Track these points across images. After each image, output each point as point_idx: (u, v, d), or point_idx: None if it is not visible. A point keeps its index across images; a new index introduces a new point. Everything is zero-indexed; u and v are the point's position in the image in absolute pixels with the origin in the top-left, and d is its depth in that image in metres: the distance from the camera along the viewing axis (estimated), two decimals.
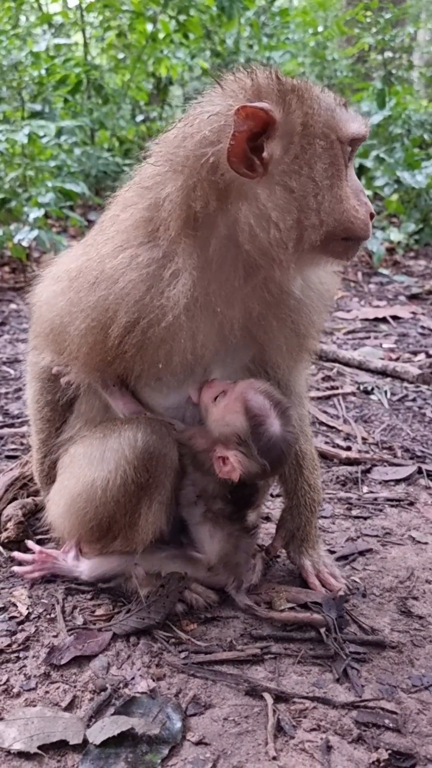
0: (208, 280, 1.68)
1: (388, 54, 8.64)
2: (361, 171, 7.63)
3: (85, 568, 2.02)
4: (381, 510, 2.61)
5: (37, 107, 7.49)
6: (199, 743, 1.51)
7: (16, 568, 2.07)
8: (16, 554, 2.10)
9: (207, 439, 1.84)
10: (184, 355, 1.73)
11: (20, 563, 2.09)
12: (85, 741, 1.49)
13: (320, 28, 9.72)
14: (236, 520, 1.92)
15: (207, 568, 1.96)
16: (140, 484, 1.79)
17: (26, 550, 2.20)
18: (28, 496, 2.42)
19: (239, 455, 1.77)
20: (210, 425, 1.82)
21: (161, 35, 8.57)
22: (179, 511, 1.93)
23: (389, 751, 1.49)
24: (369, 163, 7.55)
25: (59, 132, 7.12)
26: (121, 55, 9.14)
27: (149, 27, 8.41)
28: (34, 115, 7.31)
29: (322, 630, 1.86)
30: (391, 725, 1.57)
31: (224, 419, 1.78)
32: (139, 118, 9.50)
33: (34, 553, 2.08)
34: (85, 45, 8.82)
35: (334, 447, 3.12)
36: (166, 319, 1.65)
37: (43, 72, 7.75)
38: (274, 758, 1.47)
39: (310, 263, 1.76)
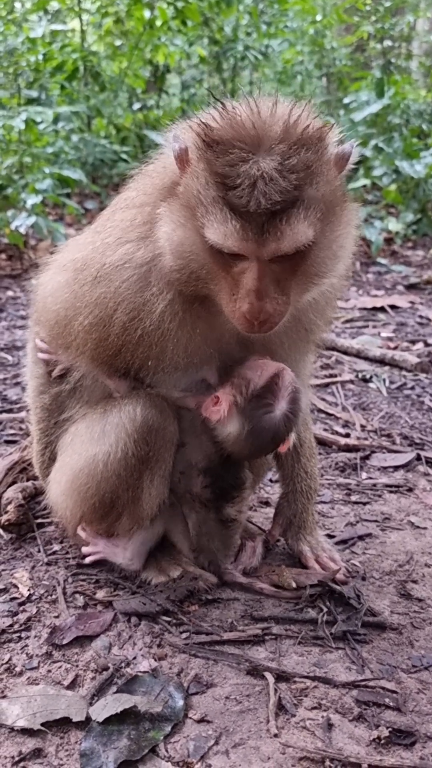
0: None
1: (388, 43, 8.60)
2: (360, 160, 7.61)
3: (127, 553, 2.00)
4: (380, 496, 2.62)
5: (34, 94, 7.44)
6: (201, 721, 1.52)
7: (85, 549, 2.02)
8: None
9: (204, 398, 1.86)
10: (174, 359, 1.75)
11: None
12: (88, 718, 1.50)
13: (319, 16, 9.65)
14: (211, 509, 1.93)
15: (191, 548, 1.99)
16: (141, 458, 1.80)
17: (26, 532, 2.22)
18: (27, 480, 2.42)
19: (232, 402, 1.79)
20: (235, 370, 1.84)
21: (159, 22, 8.50)
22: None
23: (389, 729, 1.50)
24: (368, 153, 7.53)
25: (56, 118, 7.07)
26: (118, 42, 9.06)
27: (147, 14, 8.34)
28: (31, 101, 7.26)
29: (323, 612, 1.87)
30: (391, 704, 1.58)
31: (252, 369, 1.81)
32: (136, 105, 9.42)
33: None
34: (82, 31, 8.74)
35: (333, 434, 3.12)
36: (151, 322, 1.67)
37: (39, 58, 7.68)
38: (276, 735, 1.48)
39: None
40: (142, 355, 1.75)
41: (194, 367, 1.82)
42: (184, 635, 1.78)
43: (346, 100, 8.61)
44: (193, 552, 2.00)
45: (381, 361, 4.13)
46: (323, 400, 3.54)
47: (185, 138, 1.55)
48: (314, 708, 1.56)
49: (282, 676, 1.65)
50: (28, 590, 1.94)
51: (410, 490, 2.67)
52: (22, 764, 1.40)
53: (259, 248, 1.45)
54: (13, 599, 1.90)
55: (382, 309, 5.39)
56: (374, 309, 5.39)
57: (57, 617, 1.84)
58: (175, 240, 1.55)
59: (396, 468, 2.85)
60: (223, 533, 1.97)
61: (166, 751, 1.44)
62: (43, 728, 1.47)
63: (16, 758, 1.41)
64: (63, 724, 1.50)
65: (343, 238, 1.60)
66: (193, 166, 1.51)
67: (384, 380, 3.81)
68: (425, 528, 2.38)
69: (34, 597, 1.92)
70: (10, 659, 1.68)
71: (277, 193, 1.40)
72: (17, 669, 1.65)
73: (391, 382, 3.80)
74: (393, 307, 5.44)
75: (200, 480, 1.92)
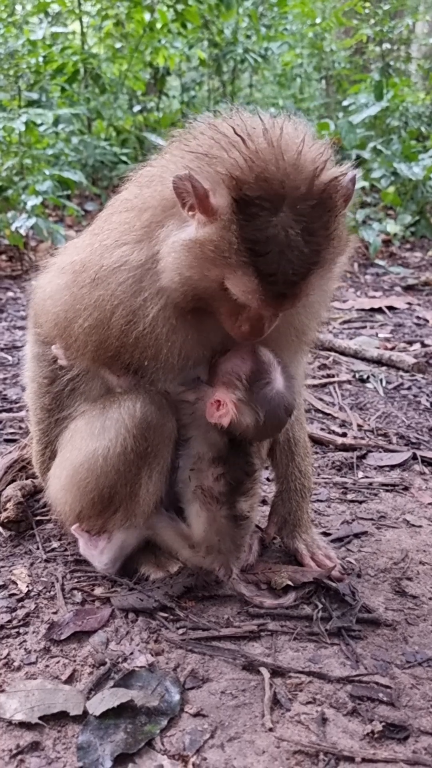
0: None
1: (387, 46, 8.62)
2: (358, 162, 7.65)
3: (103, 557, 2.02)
4: (376, 494, 2.64)
5: (34, 96, 7.47)
6: (197, 715, 1.53)
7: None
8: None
9: (204, 392, 1.87)
10: (169, 361, 1.79)
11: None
12: (85, 712, 1.52)
13: (318, 19, 9.70)
14: (224, 504, 1.92)
15: (189, 545, 1.97)
16: (139, 453, 1.82)
17: (25, 530, 2.24)
18: (27, 479, 2.44)
19: (235, 399, 1.80)
20: (217, 368, 1.86)
21: (159, 25, 8.54)
22: (174, 488, 1.96)
23: (383, 724, 1.52)
24: (366, 155, 7.57)
25: (56, 120, 7.10)
26: (118, 45, 9.09)
27: (147, 16, 8.38)
28: (31, 103, 7.29)
29: (318, 608, 1.89)
30: (385, 699, 1.60)
31: (232, 361, 1.83)
32: (136, 108, 9.47)
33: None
34: (83, 34, 8.78)
35: (329, 433, 3.14)
36: (145, 326, 1.71)
37: (40, 60, 7.72)
38: (271, 729, 1.50)
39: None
40: (140, 356, 1.78)
41: (188, 368, 1.86)
42: (180, 631, 1.80)
43: (345, 103, 8.65)
44: (197, 553, 1.97)
45: (378, 362, 4.15)
46: (321, 399, 3.56)
47: (204, 176, 1.51)
48: (309, 703, 1.58)
49: (277, 672, 1.67)
50: (27, 587, 1.96)
51: (406, 488, 2.69)
52: (19, 757, 1.42)
53: (275, 306, 1.59)
54: (12, 595, 1.92)
55: (379, 310, 5.41)
56: (372, 310, 5.42)
57: (55, 613, 1.86)
58: (187, 274, 1.58)
59: (392, 467, 2.87)
60: (234, 533, 1.95)
61: (162, 744, 1.46)
62: (40, 722, 1.49)
63: (14, 751, 1.43)
64: (60, 718, 1.52)
65: (338, 266, 1.70)
66: (223, 224, 1.49)
67: (381, 380, 3.83)
68: (420, 526, 2.40)
69: (32, 593, 1.94)
70: (8, 654, 1.70)
71: (301, 262, 1.50)
72: (16, 664, 1.67)
73: (388, 383, 3.82)
74: (391, 308, 5.47)
75: (211, 471, 1.91)
